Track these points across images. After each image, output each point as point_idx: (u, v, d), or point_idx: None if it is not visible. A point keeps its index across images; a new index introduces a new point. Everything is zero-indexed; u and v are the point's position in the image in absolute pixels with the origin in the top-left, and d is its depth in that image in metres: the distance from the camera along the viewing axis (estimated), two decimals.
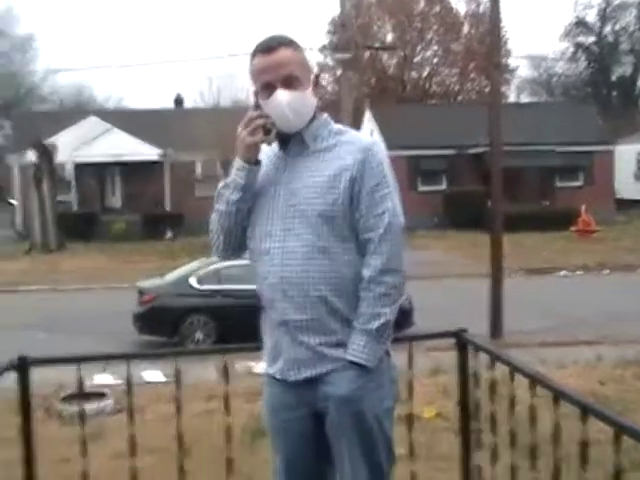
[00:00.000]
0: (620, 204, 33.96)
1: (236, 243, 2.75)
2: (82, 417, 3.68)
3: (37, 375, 3.43)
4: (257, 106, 2.63)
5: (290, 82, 2.58)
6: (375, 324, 2.56)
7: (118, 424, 6.19)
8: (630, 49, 55.12)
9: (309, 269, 2.56)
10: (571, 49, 55.68)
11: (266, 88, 2.60)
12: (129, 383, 3.56)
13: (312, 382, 2.61)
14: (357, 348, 2.57)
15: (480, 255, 16.65)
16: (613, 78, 56.23)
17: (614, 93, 56.27)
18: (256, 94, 2.66)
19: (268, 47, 2.60)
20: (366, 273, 2.58)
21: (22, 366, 3.32)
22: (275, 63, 2.57)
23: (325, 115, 2.72)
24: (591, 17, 55.52)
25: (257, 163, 2.66)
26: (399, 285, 2.62)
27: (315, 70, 2.74)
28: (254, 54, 2.63)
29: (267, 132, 2.62)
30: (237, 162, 2.66)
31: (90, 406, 6.88)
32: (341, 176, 2.58)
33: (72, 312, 15.24)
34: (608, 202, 32.35)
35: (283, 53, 2.59)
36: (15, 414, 3.38)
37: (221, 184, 2.72)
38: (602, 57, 54.68)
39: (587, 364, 8.94)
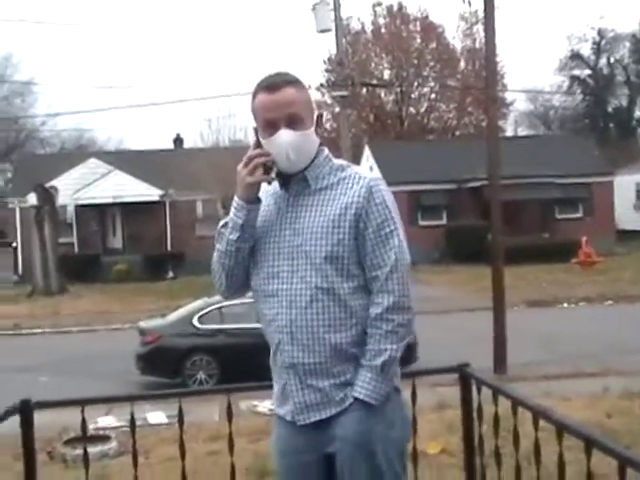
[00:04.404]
0: (620, 235, 33.93)
1: (238, 282, 2.70)
2: (86, 460, 3.62)
3: (40, 418, 3.41)
4: (257, 144, 2.59)
5: (293, 122, 2.53)
6: (380, 360, 2.51)
7: (122, 467, 6.16)
8: (625, 81, 55.62)
9: (316, 311, 2.52)
10: (567, 82, 56.23)
11: (268, 126, 2.55)
12: (132, 424, 3.54)
13: (321, 425, 2.57)
14: (362, 385, 2.53)
15: (482, 288, 16.63)
16: (609, 110, 56.61)
17: (611, 125, 56.58)
18: (256, 131, 2.62)
19: (273, 85, 2.54)
20: (373, 311, 2.54)
21: (25, 410, 3.31)
22: (279, 102, 2.52)
23: (326, 152, 2.66)
24: (586, 50, 56.19)
25: (257, 201, 2.61)
26: (407, 323, 2.57)
27: (316, 109, 2.70)
28: (257, 91, 2.57)
29: (267, 170, 2.57)
30: (236, 201, 2.60)
31: (94, 449, 6.82)
32: (346, 215, 2.53)
33: (75, 354, 15.17)
34: (609, 233, 32.32)
35: (287, 92, 2.54)
36: (17, 459, 3.36)
37: (221, 223, 2.68)
38: (598, 89, 55.07)
39: (593, 396, 8.86)
